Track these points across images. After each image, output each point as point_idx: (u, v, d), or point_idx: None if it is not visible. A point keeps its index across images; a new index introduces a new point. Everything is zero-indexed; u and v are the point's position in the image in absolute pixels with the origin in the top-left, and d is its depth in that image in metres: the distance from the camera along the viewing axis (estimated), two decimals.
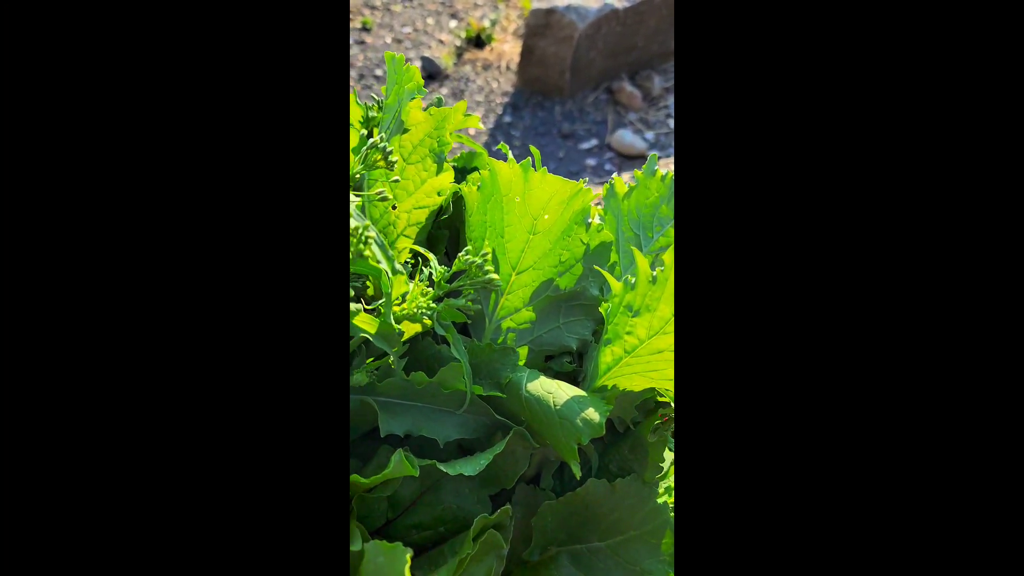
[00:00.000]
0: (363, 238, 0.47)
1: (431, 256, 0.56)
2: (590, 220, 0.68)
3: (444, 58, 2.89)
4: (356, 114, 0.80)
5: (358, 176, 0.53)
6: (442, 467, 0.58)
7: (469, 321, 0.65)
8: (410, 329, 0.60)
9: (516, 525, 0.66)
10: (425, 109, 0.69)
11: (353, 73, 2.82)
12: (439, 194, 0.67)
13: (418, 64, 2.87)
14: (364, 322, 0.53)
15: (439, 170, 0.65)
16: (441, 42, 2.99)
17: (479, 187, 0.69)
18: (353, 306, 0.55)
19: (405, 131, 0.62)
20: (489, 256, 0.55)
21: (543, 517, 0.66)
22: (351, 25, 2.97)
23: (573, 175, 2.37)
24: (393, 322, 0.53)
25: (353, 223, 0.47)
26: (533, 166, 0.64)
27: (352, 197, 0.55)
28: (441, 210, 0.70)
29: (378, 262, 0.48)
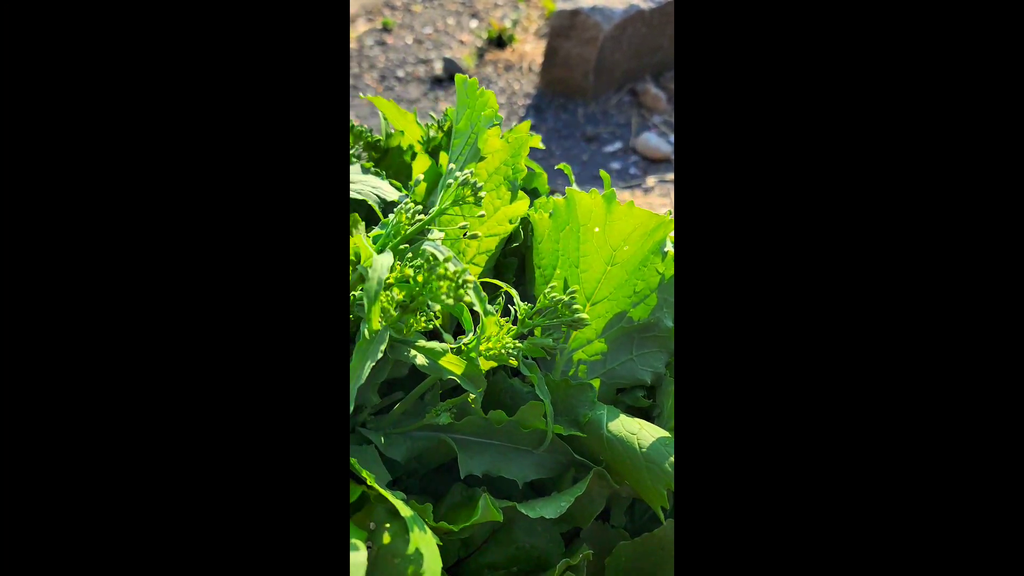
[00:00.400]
0: (461, 282, 0.44)
1: (514, 292, 0.54)
2: (666, 249, 0.65)
3: (465, 59, 2.87)
4: (416, 134, 0.78)
5: (441, 211, 0.51)
6: (523, 509, 0.56)
7: (548, 357, 0.63)
8: (485, 363, 0.58)
9: (586, 563, 0.64)
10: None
11: (375, 74, 2.80)
12: (510, 222, 0.65)
13: (439, 64, 2.84)
14: (451, 363, 0.51)
15: (513, 198, 0.63)
16: (462, 43, 2.96)
17: (551, 214, 0.66)
18: (439, 346, 0.53)
19: (481, 159, 0.60)
20: (576, 293, 0.53)
21: (617, 558, 0.64)
22: (372, 26, 2.95)
23: (597, 180, 2.34)
24: (480, 363, 0.51)
25: (452, 267, 0.45)
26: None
27: (436, 232, 0.53)
28: (511, 237, 0.68)
29: (472, 305, 0.46)
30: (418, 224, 0.50)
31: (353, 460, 0.47)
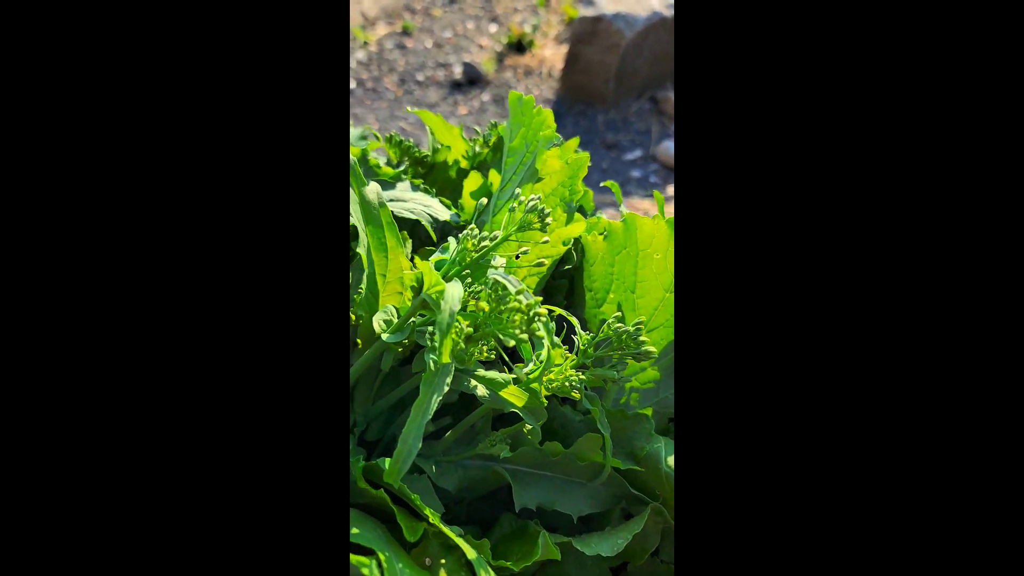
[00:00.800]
0: (533, 315, 0.43)
1: (575, 321, 0.52)
2: None
3: (485, 63, 2.85)
4: (461, 149, 0.76)
5: (504, 233, 0.49)
6: (578, 545, 0.54)
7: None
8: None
9: None
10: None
11: (394, 77, 2.79)
12: (564, 243, 0.63)
13: (459, 69, 2.83)
14: (513, 395, 0.49)
15: (568, 219, 0.61)
16: (481, 47, 2.95)
17: (604, 236, 0.64)
18: (500, 376, 0.51)
19: (538, 180, 0.58)
20: (643, 326, 0.51)
21: None
22: (393, 29, 2.93)
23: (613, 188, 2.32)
24: (543, 396, 0.49)
25: (524, 300, 0.43)
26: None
27: (498, 259, 0.51)
28: (563, 259, 0.66)
29: (542, 339, 0.44)
30: (483, 251, 0.48)
31: (415, 496, 0.45)
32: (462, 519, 0.63)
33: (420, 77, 2.81)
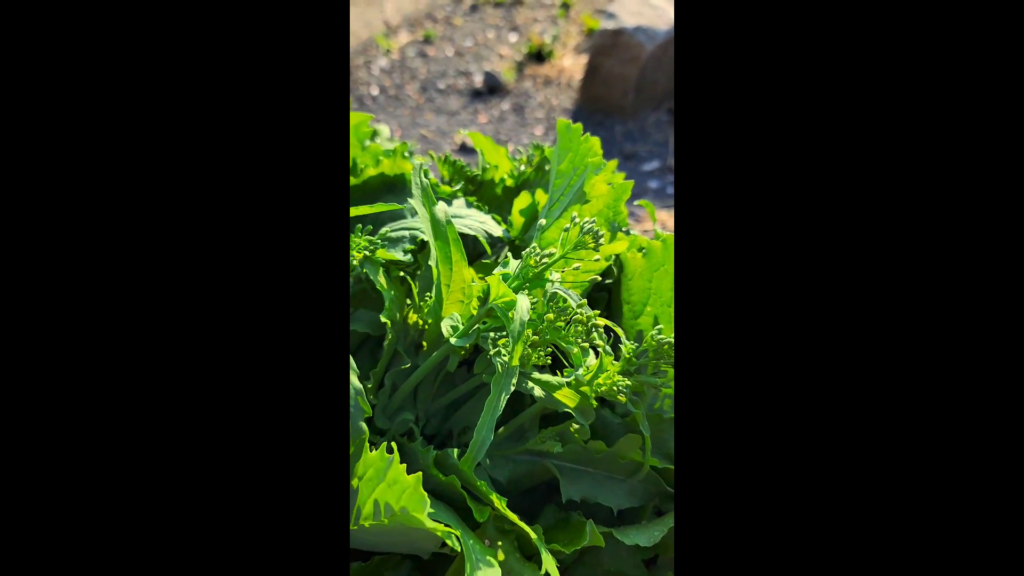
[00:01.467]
0: (591, 327, 0.48)
1: (621, 332, 0.58)
2: None
3: (505, 72, 2.91)
4: (506, 168, 0.82)
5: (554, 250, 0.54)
6: (619, 535, 0.60)
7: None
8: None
9: None
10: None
11: (416, 85, 2.85)
12: (606, 259, 0.69)
13: (479, 77, 2.89)
14: (566, 397, 0.55)
15: (612, 238, 0.67)
16: (501, 56, 3.01)
17: (643, 253, 0.70)
18: (554, 379, 0.56)
19: (586, 202, 0.64)
20: (665, 331, 0.56)
21: None
22: (414, 37, 3.00)
23: (634, 197, 2.37)
24: (592, 398, 0.55)
25: (584, 313, 0.49)
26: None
27: (555, 275, 0.57)
28: (604, 273, 0.72)
29: (598, 348, 0.50)
30: (543, 267, 0.54)
31: (482, 483, 0.51)
32: (510, 509, 0.69)
33: (441, 85, 2.87)
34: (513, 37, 3.04)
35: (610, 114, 2.69)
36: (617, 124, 2.69)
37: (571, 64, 2.90)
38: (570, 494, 0.61)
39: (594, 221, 0.53)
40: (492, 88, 2.81)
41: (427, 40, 2.99)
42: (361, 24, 3.08)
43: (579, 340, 0.49)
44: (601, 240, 0.54)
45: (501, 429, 0.63)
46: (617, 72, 2.56)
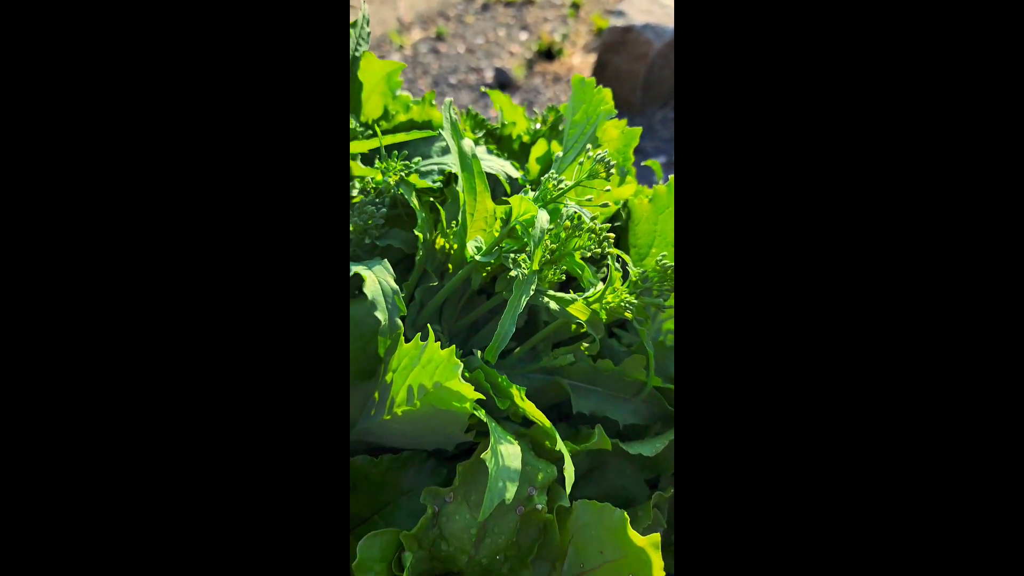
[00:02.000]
0: (603, 236, 0.54)
1: (627, 258, 0.63)
2: None
3: (515, 69, 2.98)
4: (523, 126, 0.88)
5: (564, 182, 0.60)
6: (624, 446, 0.66)
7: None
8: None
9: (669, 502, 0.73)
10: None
11: (428, 80, 2.92)
12: (616, 202, 0.75)
13: (490, 73, 2.96)
14: (578, 310, 0.61)
15: (621, 182, 0.73)
16: (512, 53, 3.08)
17: (650, 199, 0.76)
18: (568, 296, 0.62)
19: (598, 146, 0.70)
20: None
21: None
22: (427, 34, 3.07)
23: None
24: (602, 312, 0.61)
25: (596, 224, 0.55)
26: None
27: (572, 201, 0.63)
28: (612, 218, 0.78)
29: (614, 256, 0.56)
30: (561, 192, 0.60)
31: (502, 377, 0.57)
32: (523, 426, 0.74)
33: (453, 80, 2.95)
34: (523, 35, 3.12)
35: (618, 111, 2.75)
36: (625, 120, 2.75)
37: (580, 62, 2.98)
38: (581, 407, 0.66)
39: (607, 152, 0.59)
40: (502, 84, 2.88)
41: (439, 37, 3.06)
42: (375, 21, 3.15)
43: (592, 246, 0.55)
44: (612, 170, 0.60)
45: (518, 349, 0.69)
46: (625, 69, 2.63)
